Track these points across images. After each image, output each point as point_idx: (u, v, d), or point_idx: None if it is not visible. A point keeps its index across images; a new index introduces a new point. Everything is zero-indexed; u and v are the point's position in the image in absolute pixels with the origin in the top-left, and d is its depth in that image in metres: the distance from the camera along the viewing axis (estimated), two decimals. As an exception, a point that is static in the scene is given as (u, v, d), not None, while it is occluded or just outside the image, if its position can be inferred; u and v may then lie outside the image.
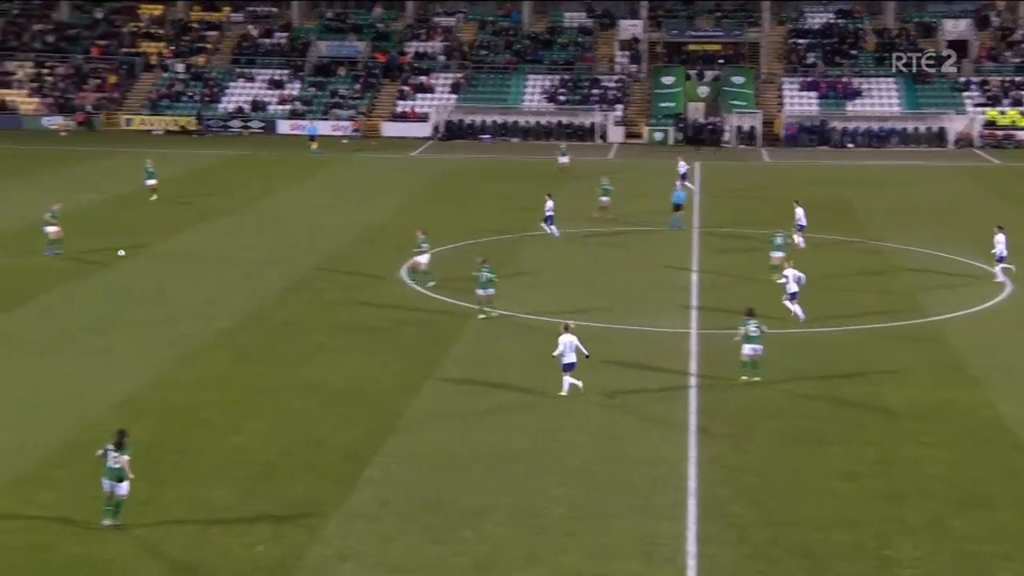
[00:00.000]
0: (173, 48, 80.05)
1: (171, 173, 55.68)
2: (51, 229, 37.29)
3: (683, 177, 48.59)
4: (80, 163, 58.97)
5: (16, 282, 33.17)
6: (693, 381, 25.29)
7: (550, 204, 40.25)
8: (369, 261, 36.93)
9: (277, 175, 56.06)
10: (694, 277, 35.03)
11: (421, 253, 33.32)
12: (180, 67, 78.05)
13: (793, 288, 29.17)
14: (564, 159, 56.64)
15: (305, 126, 68.82)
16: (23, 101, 75.50)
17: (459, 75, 77.02)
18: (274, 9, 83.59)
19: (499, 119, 73.69)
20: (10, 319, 29.14)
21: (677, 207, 42.54)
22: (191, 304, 31.20)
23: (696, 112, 73.24)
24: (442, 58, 78.54)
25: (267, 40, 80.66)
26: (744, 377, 24.90)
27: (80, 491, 18.98)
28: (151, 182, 47.88)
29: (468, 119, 73.82)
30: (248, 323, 29.47)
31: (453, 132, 72.95)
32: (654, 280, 34.79)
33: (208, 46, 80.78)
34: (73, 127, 72.76)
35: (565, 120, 73.38)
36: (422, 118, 73.94)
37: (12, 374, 24.86)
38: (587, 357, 24.10)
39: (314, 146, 64.48)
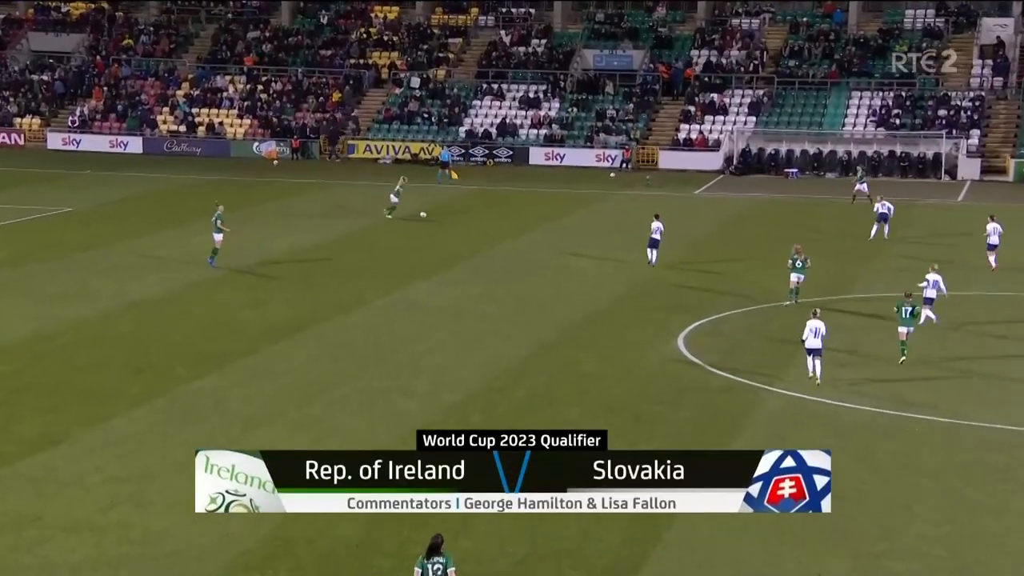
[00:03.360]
0: (408, 58, 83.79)
1: (400, 211, 58.06)
2: (218, 237, 43.75)
3: (882, 219, 50.77)
4: (289, 197, 62.34)
5: (220, 340, 35.28)
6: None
7: (656, 226, 44.41)
8: (635, 323, 37.10)
9: (527, 214, 57.36)
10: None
11: (796, 271, 38.32)
12: (416, 81, 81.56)
13: (930, 293, 35.81)
14: (862, 186, 59.18)
15: (440, 152, 70.82)
16: (233, 123, 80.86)
17: (761, 92, 76.77)
18: (532, 10, 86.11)
19: (811, 148, 72.89)
20: (219, 383, 30.98)
21: None
22: (418, 370, 32.22)
23: (1084, 140, 70.05)
24: (741, 70, 78.52)
25: (521, 48, 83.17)
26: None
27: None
28: (395, 199, 54.69)
29: (770, 148, 73.40)
30: (484, 396, 30.11)
31: (750, 164, 72.66)
32: (1010, 359, 33.27)
33: (450, 56, 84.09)
34: (287, 154, 77.21)
35: (899, 150, 71.82)
36: (711, 146, 74.04)
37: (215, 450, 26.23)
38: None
39: (454, 175, 65.63)
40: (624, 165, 73.17)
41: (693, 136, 74.78)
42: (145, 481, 24.51)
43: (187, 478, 24.37)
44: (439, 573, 17.22)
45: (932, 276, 36.58)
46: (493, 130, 77.57)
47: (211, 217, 44.98)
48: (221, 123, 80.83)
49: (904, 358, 32.62)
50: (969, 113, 72.84)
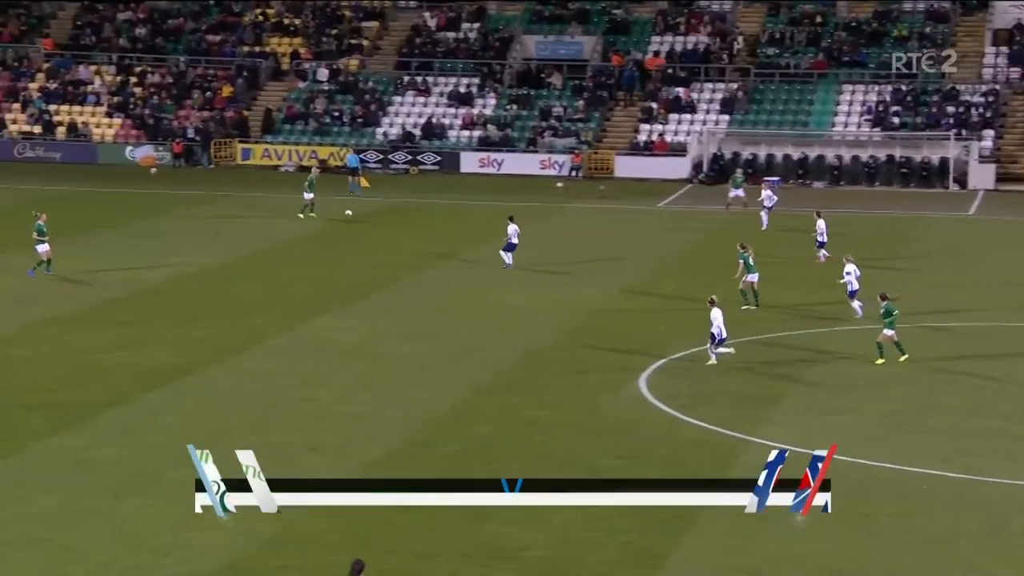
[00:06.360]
0: (314, 46, 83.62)
1: (304, 230, 57.75)
2: (41, 248, 46.53)
3: (767, 209, 56.83)
4: (169, 213, 61.92)
5: (84, 387, 34.86)
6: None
7: (512, 229, 49.02)
8: (588, 362, 37.08)
9: (457, 233, 57.27)
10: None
11: (752, 271, 42.53)
12: (323, 73, 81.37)
13: (855, 285, 41.09)
14: (737, 192, 61.56)
15: (347, 157, 70.45)
16: (100, 123, 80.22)
17: (735, 86, 77.30)
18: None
19: (795, 152, 73.43)
20: (82, 439, 30.56)
21: None
22: (327, 422, 31.98)
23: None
24: (711, 60, 79.00)
25: (450, 34, 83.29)
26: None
27: None
28: (309, 195, 58.46)
29: (746, 152, 73.86)
30: (408, 453, 29.91)
31: (723, 171, 72.98)
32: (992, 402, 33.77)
33: (365, 43, 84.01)
34: (167, 161, 76.71)
35: (899, 154, 72.49)
36: (677, 150, 74.38)
37: (77, 522, 25.94)
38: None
39: (364, 183, 65.83)
40: (574, 173, 73.31)
41: (655, 139, 75.08)
42: (-10, 561, 24.08)
43: (41, 556, 24.09)
44: None
45: (850, 267, 41.47)
46: (417, 132, 77.50)
47: (32, 228, 46.94)
48: (85, 123, 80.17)
49: (882, 360, 36.42)
50: (981, 111, 73.69)
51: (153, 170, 75.16)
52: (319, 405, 33.37)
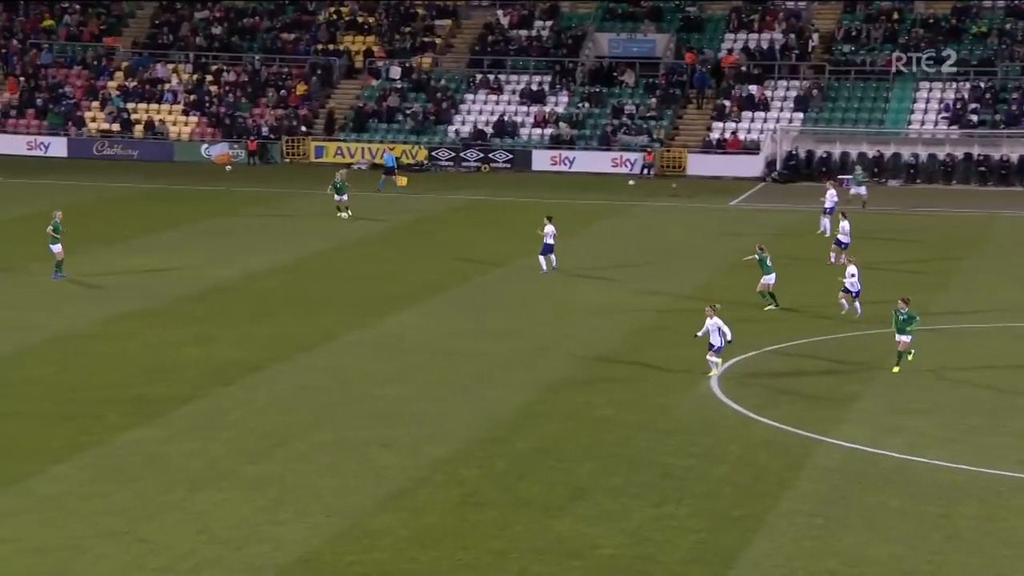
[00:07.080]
0: (387, 44, 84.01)
1: (375, 227, 58.02)
2: (56, 248, 46.22)
3: (827, 212, 55.58)
4: (243, 210, 62.39)
5: (159, 382, 35.26)
6: None
7: (550, 230, 48.05)
8: (660, 361, 37.03)
9: (529, 231, 57.31)
10: None
11: (768, 272, 42.23)
12: (396, 71, 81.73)
13: (857, 286, 41.05)
14: (859, 190, 61.38)
15: (384, 153, 71.30)
16: (177, 121, 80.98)
17: (809, 83, 76.92)
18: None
19: (870, 151, 72.98)
20: (157, 434, 30.91)
21: None
22: (398, 419, 32.14)
23: None
24: (785, 57, 78.67)
25: (522, 32, 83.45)
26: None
27: None
28: (341, 197, 58.54)
29: (820, 150, 73.51)
30: (480, 450, 30.02)
31: (796, 170, 72.70)
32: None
33: (437, 41, 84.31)
34: (241, 158, 77.33)
35: (978, 152, 71.85)
36: (750, 148, 74.13)
37: (153, 515, 26.30)
38: (728, 342, 35.01)
39: (401, 181, 66.21)
40: (646, 171, 73.25)
41: (728, 136, 74.87)
42: (70, 553, 24.37)
43: (120, 549, 24.39)
44: None
45: (852, 268, 41.38)
46: (489, 129, 77.65)
47: (47, 227, 46.91)
48: (162, 121, 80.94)
49: (897, 369, 35.53)
50: (1061, 108, 73.06)
51: (228, 167, 75.74)
52: (391, 401, 33.55)
